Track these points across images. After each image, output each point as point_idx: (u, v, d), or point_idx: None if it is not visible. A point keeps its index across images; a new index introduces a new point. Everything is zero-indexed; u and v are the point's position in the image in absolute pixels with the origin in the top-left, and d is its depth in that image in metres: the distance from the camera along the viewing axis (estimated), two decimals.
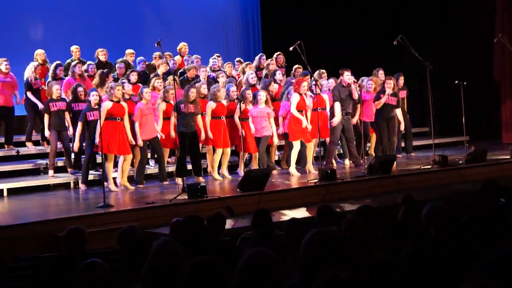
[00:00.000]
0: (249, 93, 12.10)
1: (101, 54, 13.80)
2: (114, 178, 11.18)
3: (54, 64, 12.93)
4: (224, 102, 11.97)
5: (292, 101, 12.08)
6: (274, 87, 12.92)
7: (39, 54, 13.23)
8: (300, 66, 13.76)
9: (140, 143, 11.29)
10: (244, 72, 13.82)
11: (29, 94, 12.65)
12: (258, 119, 12.04)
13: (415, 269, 3.83)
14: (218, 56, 14.43)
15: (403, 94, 14.12)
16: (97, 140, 10.79)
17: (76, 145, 11.26)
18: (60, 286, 5.14)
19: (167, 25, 16.60)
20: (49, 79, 12.88)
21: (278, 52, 14.54)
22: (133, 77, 12.64)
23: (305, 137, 12.19)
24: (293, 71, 14.08)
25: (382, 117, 13.22)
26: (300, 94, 12.09)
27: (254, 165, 12.18)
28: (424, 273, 3.78)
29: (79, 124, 11.12)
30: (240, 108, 11.80)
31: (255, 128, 12.01)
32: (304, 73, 13.35)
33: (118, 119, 11.01)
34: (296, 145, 12.16)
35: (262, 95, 12.04)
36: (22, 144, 13.02)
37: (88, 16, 15.73)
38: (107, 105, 10.95)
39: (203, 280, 3.57)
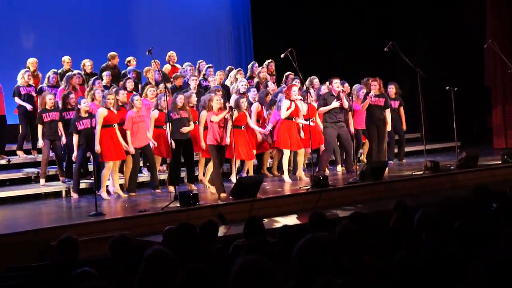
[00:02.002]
0: (243, 101, 12.03)
1: (88, 66, 13.81)
2: (106, 186, 11.16)
3: (51, 72, 12.95)
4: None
5: (282, 107, 12.08)
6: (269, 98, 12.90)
7: (31, 62, 13.24)
8: (291, 72, 13.80)
9: (132, 151, 11.28)
10: (236, 80, 13.84)
11: (16, 99, 12.61)
12: (216, 126, 11.46)
13: (408, 275, 3.84)
14: (210, 67, 14.46)
15: (395, 104, 14.05)
16: (97, 147, 10.78)
17: (74, 155, 11.15)
18: None
19: (158, 33, 16.60)
20: (44, 85, 12.88)
21: (270, 60, 14.60)
22: (129, 84, 12.63)
23: (295, 144, 12.18)
24: (284, 78, 14.11)
25: (371, 121, 13.21)
26: (291, 101, 12.08)
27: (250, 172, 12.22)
28: (417, 279, 3.79)
29: (75, 136, 11.07)
30: (232, 115, 11.74)
31: (213, 137, 11.41)
32: (295, 79, 13.40)
33: (114, 125, 11.04)
34: (286, 152, 12.17)
35: (218, 101, 11.55)
36: (13, 153, 12.98)
37: (79, 24, 15.73)
38: (103, 112, 10.97)
39: None
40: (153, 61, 12.08)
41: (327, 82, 12.95)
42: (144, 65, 14.14)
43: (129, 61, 14.39)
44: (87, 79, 13.36)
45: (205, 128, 11.60)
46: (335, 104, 12.57)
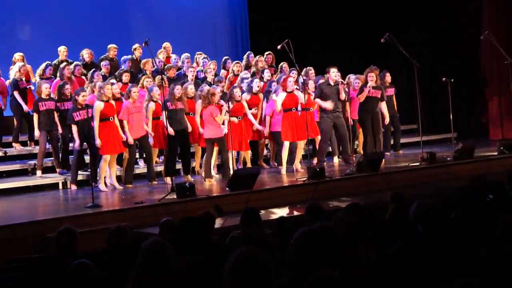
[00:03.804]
0: (236, 91, 12.06)
1: (86, 55, 13.80)
2: (104, 178, 11.15)
3: (44, 64, 12.92)
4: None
5: (278, 100, 12.06)
6: (258, 88, 12.89)
7: (18, 58, 13.14)
8: (285, 62, 13.80)
9: (131, 140, 11.25)
10: (233, 72, 13.86)
11: (15, 94, 12.59)
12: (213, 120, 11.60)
13: (404, 267, 3.85)
14: (206, 58, 14.49)
15: (390, 91, 14.15)
16: (97, 141, 10.76)
17: (77, 144, 11.11)
18: (52, 287, 5.13)
19: (154, 23, 16.59)
20: (37, 78, 12.86)
21: (268, 52, 14.59)
22: (125, 77, 12.63)
23: (298, 135, 12.13)
24: (279, 68, 14.11)
25: (365, 111, 13.17)
26: (288, 92, 12.05)
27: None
28: (413, 270, 3.80)
29: (73, 126, 11.04)
30: (229, 107, 11.76)
31: (210, 131, 11.54)
32: (291, 70, 13.40)
33: (111, 118, 11.00)
34: (286, 145, 12.15)
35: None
36: (10, 145, 12.97)
37: (75, 15, 15.68)
38: (99, 105, 10.92)
39: (195, 280, 3.57)
40: (153, 58, 12.20)
41: (326, 71, 12.92)
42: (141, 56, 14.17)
43: (135, 49, 14.33)
44: (87, 69, 13.31)
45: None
46: (328, 105, 12.50)
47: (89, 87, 12.00)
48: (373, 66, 13.71)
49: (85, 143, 11.22)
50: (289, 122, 12.05)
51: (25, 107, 12.52)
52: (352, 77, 13.47)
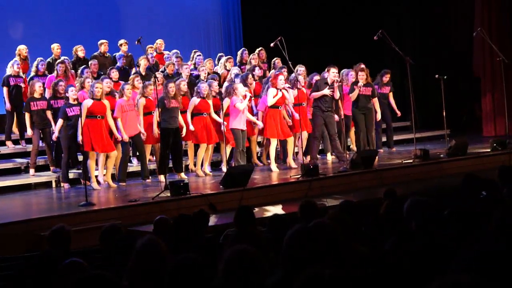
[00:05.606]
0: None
1: (79, 51, 13.77)
2: (96, 176, 11.13)
3: (37, 60, 12.87)
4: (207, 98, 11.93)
5: (268, 96, 12.08)
6: (252, 80, 12.88)
7: (21, 49, 13.12)
8: (278, 58, 13.81)
9: (126, 138, 11.23)
10: (225, 67, 13.85)
11: (4, 90, 12.53)
12: (240, 111, 11.95)
13: (397, 264, 3.85)
14: (200, 55, 14.50)
15: (386, 90, 14.15)
16: (79, 138, 10.75)
17: (54, 136, 11.19)
18: (44, 286, 5.12)
19: (146, 20, 16.54)
20: (32, 74, 12.81)
21: (260, 48, 14.60)
22: (114, 74, 12.60)
23: (283, 132, 12.18)
24: (272, 64, 14.13)
25: (358, 108, 13.20)
26: (278, 89, 12.08)
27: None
28: (406, 268, 3.80)
29: (60, 120, 11.06)
30: (222, 104, 11.78)
31: (238, 122, 11.86)
32: (280, 67, 13.41)
33: (99, 117, 10.97)
34: (274, 141, 12.18)
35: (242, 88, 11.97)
36: (2, 143, 12.92)
37: (67, 13, 15.64)
38: (87, 103, 10.91)
39: (188, 278, 3.57)
40: (145, 56, 12.18)
41: (326, 69, 12.93)
42: (133, 53, 14.12)
43: (121, 45, 14.30)
44: (80, 65, 13.26)
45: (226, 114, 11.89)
46: (326, 91, 12.53)
47: (78, 82, 11.98)
48: (363, 65, 13.70)
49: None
50: (273, 119, 12.09)
51: (7, 105, 12.45)
52: (344, 72, 13.45)
